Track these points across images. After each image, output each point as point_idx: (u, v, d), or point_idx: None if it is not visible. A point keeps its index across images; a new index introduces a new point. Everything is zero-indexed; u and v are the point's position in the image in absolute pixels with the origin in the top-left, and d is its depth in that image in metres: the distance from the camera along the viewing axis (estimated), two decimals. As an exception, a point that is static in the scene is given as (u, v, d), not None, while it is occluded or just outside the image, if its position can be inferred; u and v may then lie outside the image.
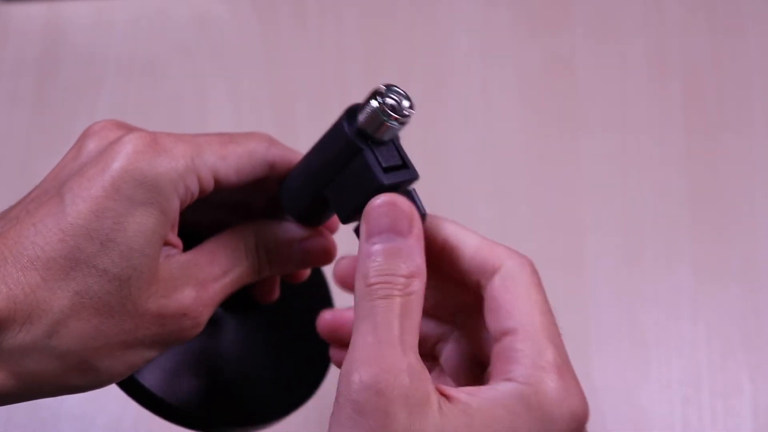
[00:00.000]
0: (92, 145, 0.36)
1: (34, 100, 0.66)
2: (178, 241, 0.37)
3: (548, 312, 0.35)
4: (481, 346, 0.37)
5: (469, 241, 0.36)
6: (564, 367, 0.33)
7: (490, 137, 0.64)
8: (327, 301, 0.48)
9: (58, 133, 0.65)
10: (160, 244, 0.35)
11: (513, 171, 0.63)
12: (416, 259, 0.33)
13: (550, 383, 0.32)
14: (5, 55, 0.68)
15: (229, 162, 0.37)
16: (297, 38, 0.68)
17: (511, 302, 0.34)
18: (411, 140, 0.64)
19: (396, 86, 0.34)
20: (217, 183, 0.37)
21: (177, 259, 0.36)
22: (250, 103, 0.66)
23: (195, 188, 0.36)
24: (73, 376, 0.34)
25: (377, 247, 0.33)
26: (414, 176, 0.35)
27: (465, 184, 0.63)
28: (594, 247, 0.61)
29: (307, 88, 0.66)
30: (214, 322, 0.41)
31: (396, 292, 0.32)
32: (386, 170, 0.34)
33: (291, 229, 0.40)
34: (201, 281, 0.36)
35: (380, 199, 0.33)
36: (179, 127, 0.65)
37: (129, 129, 0.36)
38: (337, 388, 0.31)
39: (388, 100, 0.33)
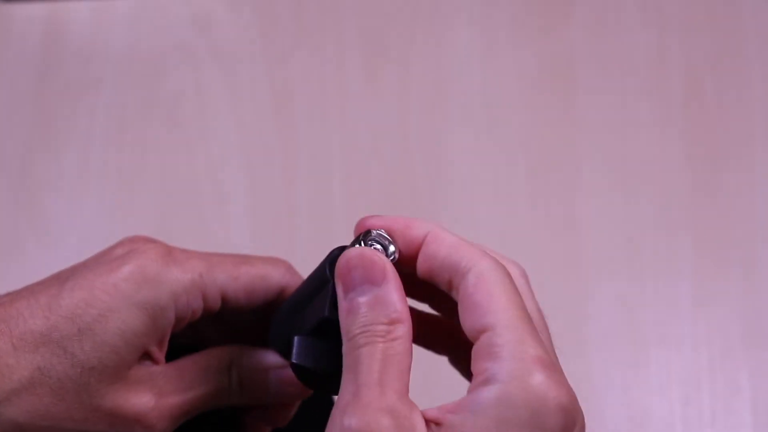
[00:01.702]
0: (118, 251, 0.37)
1: (34, 100, 0.66)
2: (161, 359, 0.37)
3: (530, 308, 0.33)
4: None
5: (446, 239, 0.34)
6: (547, 359, 0.31)
7: (490, 136, 0.64)
8: None
9: (58, 133, 0.65)
10: (139, 350, 0.35)
11: (512, 170, 0.63)
12: (396, 305, 0.32)
13: (535, 377, 0.30)
14: (6, 55, 0.68)
15: (239, 283, 0.37)
16: (297, 38, 0.68)
17: (486, 298, 0.32)
18: (411, 138, 0.64)
19: (381, 232, 0.34)
20: (225, 302, 0.37)
21: (148, 369, 0.36)
22: (250, 103, 0.66)
23: (198, 305, 0.36)
24: None
25: (355, 301, 0.32)
26: None
27: (464, 183, 0.63)
28: (594, 246, 0.61)
29: (306, 88, 0.66)
30: None
31: (378, 339, 0.31)
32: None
33: (270, 357, 0.39)
34: (162, 391, 0.36)
35: (348, 254, 0.33)
36: (179, 127, 0.65)
37: (156, 242, 0.38)
38: None
39: (376, 246, 0.34)
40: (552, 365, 0.31)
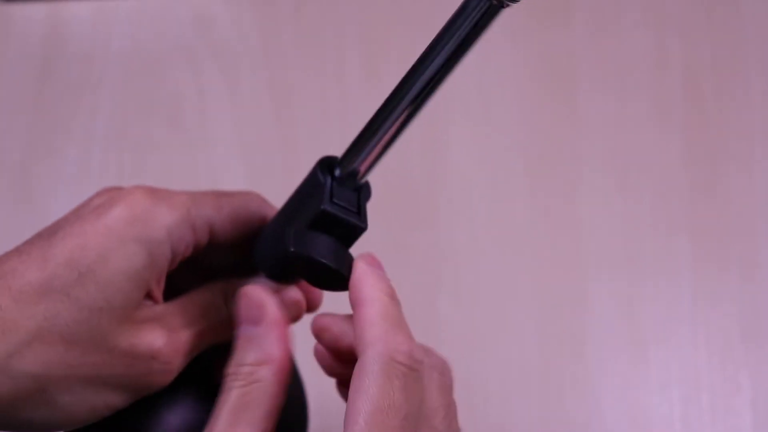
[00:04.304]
0: (96, 200, 0.37)
1: (34, 100, 0.66)
2: (161, 298, 0.37)
3: (379, 410, 0.31)
4: None
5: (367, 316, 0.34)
6: None
7: (489, 136, 0.64)
8: (298, 395, 0.45)
9: (58, 133, 0.65)
10: (142, 288, 0.35)
11: (512, 170, 0.63)
12: (266, 347, 0.33)
13: None
14: (6, 55, 0.68)
15: (223, 213, 0.37)
16: (297, 38, 0.68)
17: (350, 398, 0.31)
18: (411, 138, 0.64)
19: None
20: (212, 235, 0.37)
21: (153, 308, 0.36)
22: (251, 103, 0.66)
23: (190, 239, 0.36)
24: (27, 405, 0.33)
25: (238, 337, 0.33)
26: (362, 225, 0.36)
27: (464, 183, 0.63)
28: (593, 246, 0.61)
29: (307, 88, 0.66)
30: (185, 402, 0.40)
31: (236, 383, 0.32)
32: (335, 204, 0.35)
33: (259, 282, 0.39)
34: (172, 327, 0.36)
35: (243, 288, 0.34)
36: (179, 127, 0.65)
37: (135, 186, 0.38)
38: None
39: None
40: None
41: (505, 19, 0.68)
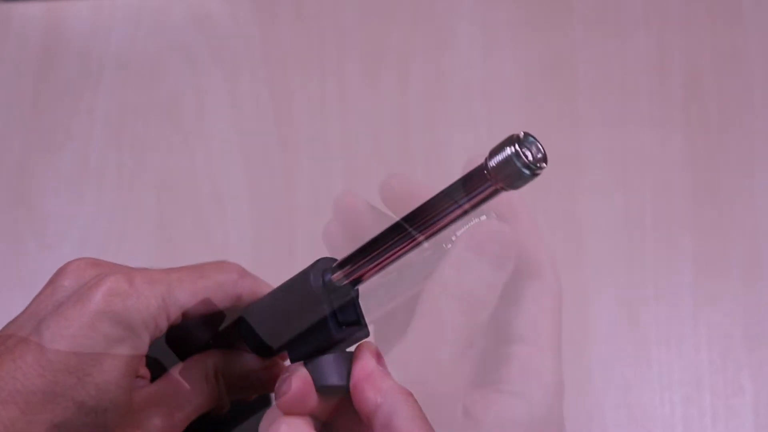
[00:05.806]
0: (67, 283, 0.37)
1: (32, 100, 0.66)
2: (147, 372, 0.39)
3: None
4: None
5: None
6: None
7: (490, 136, 0.64)
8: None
9: (56, 133, 0.65)
10: (133, 377, 0.37)
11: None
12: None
13: None
14: (4, 55, 0.68)
15: (198, 297, 0.39)
16: (296, 38, 0.68)
17: None
18: (411, 137, 0.64)
19: (532, 136, 0.33)
20: (185, 316, 0.39)
21: (146, 390, 0.38)
22: (250, 102, 0.66)
23: (164, 324, 0.38)
24: None
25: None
26: (366, 335, 0.37)
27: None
28: (594, 246, 0.61)
29: (306, 88, 0.66)
30: None
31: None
32: (341, 324, 0.36)
33: (247, 359, 0.41)
34: (168, 411, 0.38)
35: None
36: (178, 127, 0.65)
37: (103, 267, 0.38)
38: None
39: (526, 151, 0.33)
40: None
41: (505, 19, 0.68)
